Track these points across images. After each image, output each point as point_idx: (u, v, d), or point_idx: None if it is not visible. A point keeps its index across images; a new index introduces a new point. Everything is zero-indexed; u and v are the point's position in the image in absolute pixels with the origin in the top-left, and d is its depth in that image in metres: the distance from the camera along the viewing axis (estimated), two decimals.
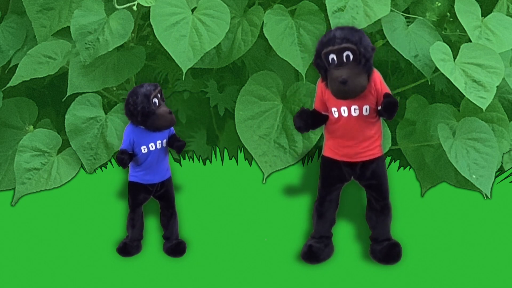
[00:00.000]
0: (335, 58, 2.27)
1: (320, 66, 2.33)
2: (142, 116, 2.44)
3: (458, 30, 3.00)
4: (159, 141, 2.52)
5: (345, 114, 2.36)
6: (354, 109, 2.35)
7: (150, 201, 2.60)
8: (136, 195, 2.56)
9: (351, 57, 2.26)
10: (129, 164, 2.53)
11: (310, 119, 2.42)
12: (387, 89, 2.38)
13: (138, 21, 3.01)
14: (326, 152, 2.45)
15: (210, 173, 3.02)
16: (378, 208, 2.45)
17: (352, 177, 2.45)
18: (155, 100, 2.45)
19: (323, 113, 2.42)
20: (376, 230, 2.47)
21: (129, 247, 2.57)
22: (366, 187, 2.45)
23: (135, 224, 2.58)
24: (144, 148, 2.50)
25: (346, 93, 2.29)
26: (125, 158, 2.48)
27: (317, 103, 2.44)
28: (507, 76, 2.90)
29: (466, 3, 2.92)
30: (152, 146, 2.51)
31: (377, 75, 2.37)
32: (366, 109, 2.36)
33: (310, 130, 2.45)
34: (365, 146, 2.39)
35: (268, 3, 3.01)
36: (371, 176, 2.42)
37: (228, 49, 2.91)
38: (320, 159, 2.49)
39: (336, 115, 2.38)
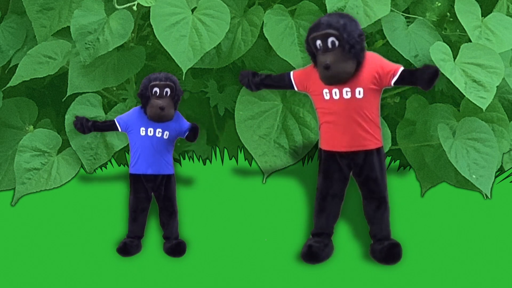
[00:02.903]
0: (321, 44, 2.33)
1: (310, 51, 2.38)
2: (141, 98, 2.56)
3: (458, 30, 3.01)
4: (159, 130, 2.54)
5: (337, 97, 2.37)
6: (346, 91, 2.35)
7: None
8: (135, 187, 2.58)
9: (337, 43, 2.31)
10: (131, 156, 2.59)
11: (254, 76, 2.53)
12: (396, 66, 2.38)
13: (138, 21, 3.01)
14: (322, 144, 2.45)
15: (210, 173, 3.02)
16: (376, 203, 2.44)
17: (351, 171, 2.44)
18: (156, 89, 2.51)
19: (292, 80, 2.46)
20: (375, 226, 2.47)
21: (129, 247, 2.57)
22: (364, 180, 2.44)
23: (136, 217, 2.58)
24: (142, 130, 2.55)
25: (329, 78, 2.33)
26: (85, 121, 2.65)
27: (298, 73, 2.48)
28: (507, 76, 2.90)
29: (466, 3, 2.92)
30: (150, 131, 2.53)
31: (374, 56, 2.38)
32: (360, 92, 2.35)
33: (257, 86, 2.54)
34: (360, 134, 2.38)
35: (268, 3, 3.01)
36: (369, 168, 2.41)
37: (228, 49, 2.91)
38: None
39: (327, 97, 2.38)
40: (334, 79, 2.33)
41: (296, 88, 2.48)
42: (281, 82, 2.52)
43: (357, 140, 2.39)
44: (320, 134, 2.46)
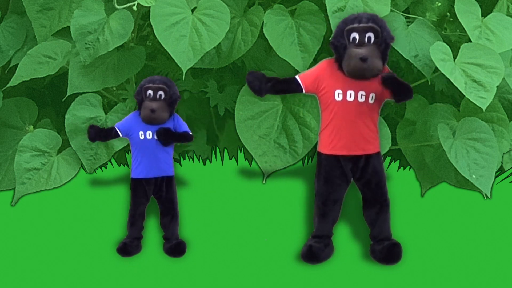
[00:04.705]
0: (357, 37, 2.31)
1: (340, 44, 2.35)
2: (136, 99, 2.56)
3: (458, 30, 3.01)
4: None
5: (351, 99, 2.36)
6: (361, 95, 2.35)
7: (151, 201, 2.60)
8: (135, 192, 2.58)
9: (373, 39, 2.31)
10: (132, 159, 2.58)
11: (266, 80, 2.45)
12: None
13: (138, 21, 3.01)
14: (324, 148, 2.43)
15: (210, 173, 3.02)
16: (378, 205, 2.45)
17: (352, 175, 2.44)
18: (150, 91, 2.51)
19: (300, 84, 2.42)
20: (377, 228, 2.46)
21: (129, 247, 2.56)
22: (366, 184, 2.44)
23: (134, 222, 2.58)
24: (141, 134, 2.54)
25: (364, 71, 2.31)
26: (92, 130, 2.61)
27: (305, 76, 2.44)
28: (507, 76, 2.90)
29: (466, 3, 2.92)
30: (149, 134, 2.53)
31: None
32: (372, 97, 2.36)
33: (266, 91, 2.46)
34: (366, 138, 2.39)
35: (268, 3, 3.01)
36: (372, 172, 2.41)
37: (228, 49, 2.91)
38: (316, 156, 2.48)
39: (339, 98, 2.37)
40: (367, 73, 2.31)
41: (304, 90, 2.44)
42: (288, 86, 2.47)
43: (363, 144, 2.39)
44: (321, 137, 2.44)
